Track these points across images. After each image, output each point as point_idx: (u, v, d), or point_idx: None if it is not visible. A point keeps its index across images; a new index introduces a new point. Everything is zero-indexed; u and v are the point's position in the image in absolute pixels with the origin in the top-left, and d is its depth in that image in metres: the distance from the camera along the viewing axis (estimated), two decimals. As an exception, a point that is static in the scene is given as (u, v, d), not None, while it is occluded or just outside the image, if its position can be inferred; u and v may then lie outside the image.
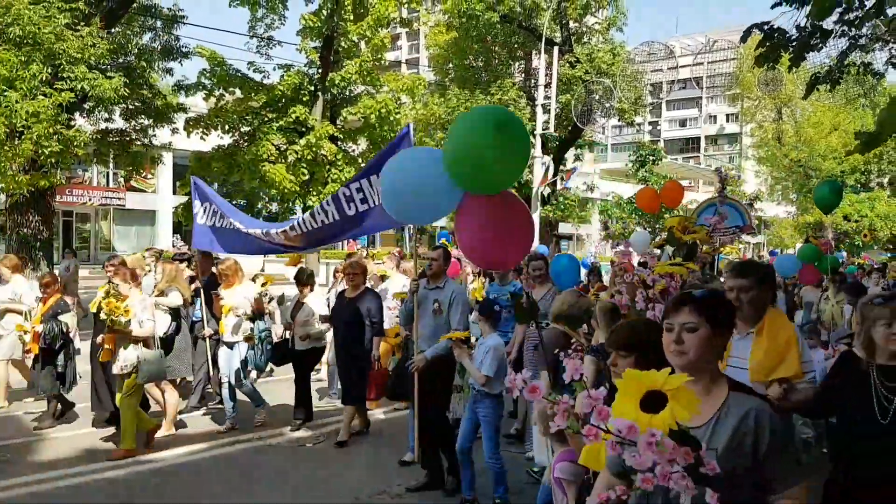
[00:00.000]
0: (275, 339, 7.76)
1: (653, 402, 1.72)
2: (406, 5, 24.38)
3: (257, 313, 7.51)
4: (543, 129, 22.35)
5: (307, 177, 21.28)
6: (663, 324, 2.26)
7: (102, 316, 6.45)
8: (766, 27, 7.07)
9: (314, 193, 21.51)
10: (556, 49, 23.05)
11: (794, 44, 7.20)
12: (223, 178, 21.66)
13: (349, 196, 6.02)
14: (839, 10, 7.03)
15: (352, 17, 21.30)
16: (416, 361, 5.71)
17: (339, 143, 22.29)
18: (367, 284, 7.59)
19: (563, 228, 30.62)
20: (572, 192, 24.69)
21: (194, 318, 8.22)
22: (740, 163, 60.51)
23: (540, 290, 6.93)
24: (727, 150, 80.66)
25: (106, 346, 6.53)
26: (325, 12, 21.23)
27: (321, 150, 20.96)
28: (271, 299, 9.63)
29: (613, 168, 55.47)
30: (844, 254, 28.18)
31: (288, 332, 7.86)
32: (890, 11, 6.37)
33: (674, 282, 3.82)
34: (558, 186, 24.44)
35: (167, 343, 7.18)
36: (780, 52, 7.28)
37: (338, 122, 22.46)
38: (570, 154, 27.39)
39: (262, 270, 19.14)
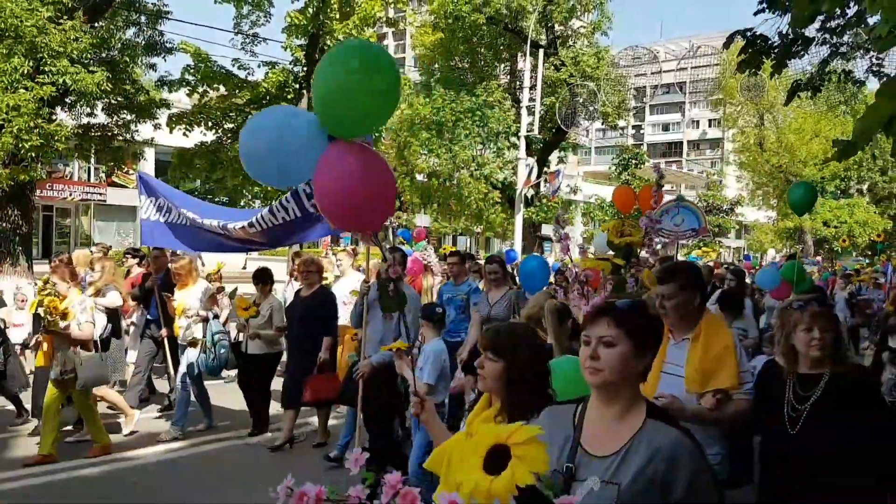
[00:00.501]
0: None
1: (499, 458, 1.39)
2: (392, 5, 24.38)
3: (210, 313, 7.17)
4: (528, 131, 22.42)
5: (291, 175, 21.22)
6: (581, 335, 1.99)
7: (42, 314, 6.09)
8: (748, 34, 7.14)
9: (298, 192, 21.45)
10: (541, 51, 23.14)
11: (776, 51, 7.28)
12: (206, 174, 21.55)
13: (309, 193, 5.63)
14: (821, 17, 7.12)
15: (338, 16, 21.26)
16: (360, 367, 5.42)
17: (323, 141, 22.24)
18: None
19: (546, 230, 30.69)
20: (559, 195, 24.77)
21: (149, 317, 7.88)
22: (722, 168, 61.08)
23: (496, 292, 6.71)
24: (709, 155, 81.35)
25: (43, 347, 6.28)
26: (310, 10, 21.17)
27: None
28: (220, 289, 9.09)
29: (597, 171, 55.74)
30: (819, 259, 28.57)
31: (241, 335, 7.43)
32: (870, 20, 6.47)
33: (592, 279, 3.85)
34: (542, 190, 24.52)
35: (102, 345, 6.70)
36: (762, 58, 7.35)
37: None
38: (554, 156, 27.49)
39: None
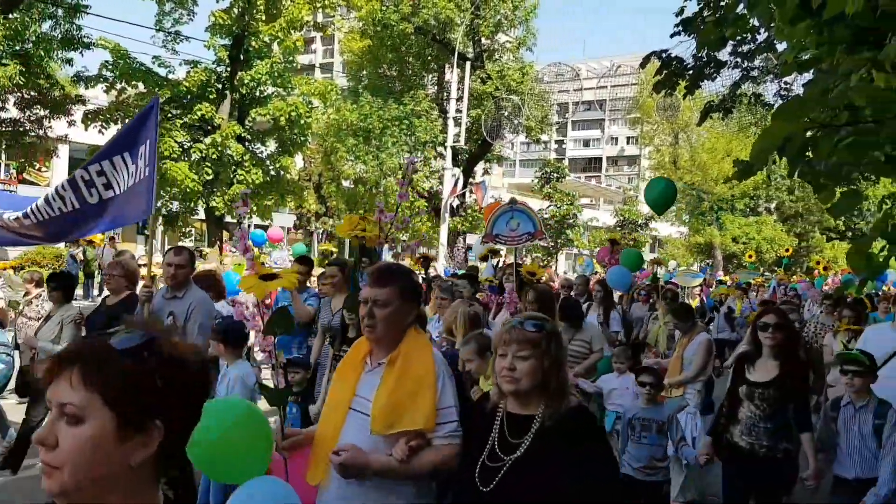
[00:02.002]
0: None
1: None
2: (321, 10, 24.25)
3: None
4: (454, 142, 22.67)
5: (211, 176, 20.76)
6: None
7: None
8: (664, 55, 7.48)
9: (218, 194, 21.00)
10: (468, 64, 23.46)
11: (689, 72, 7.67)
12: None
13: (89, 180, 5.03)
14: (733, 42, 7.54)
15: (264, 18, 20.99)
16: None
17: (246, 143, 21.87)
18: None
19: (471, 240, 31.07)
20: (486, 203, 25.11)
21: None
22: (638, 184, 63.16)
23: (339, 298, 5.95)
24: (627, 171, 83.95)
25: None
26: (235, 10, 20.83)
27: (227, 150, 20.51)
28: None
29: (521, 183, 56.70)
30: (719, 273, 29.77)
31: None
32: (779, 46, 6.88)
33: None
34: (468, 200, 24.81)
35: None
36: (676, 79, 7.73)
37: (246, 122, 22.04)
38: (479, 167, 27.86)
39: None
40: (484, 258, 11.16)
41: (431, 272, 10.98)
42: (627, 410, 5.05)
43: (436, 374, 2.61)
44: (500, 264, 10.67)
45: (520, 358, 2.30)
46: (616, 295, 9.66)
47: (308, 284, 7.45)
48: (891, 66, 1.96)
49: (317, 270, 9.55)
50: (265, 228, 18.55)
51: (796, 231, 40.69)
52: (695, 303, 13.94)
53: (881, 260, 2.37)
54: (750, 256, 31.98)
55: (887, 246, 2.39)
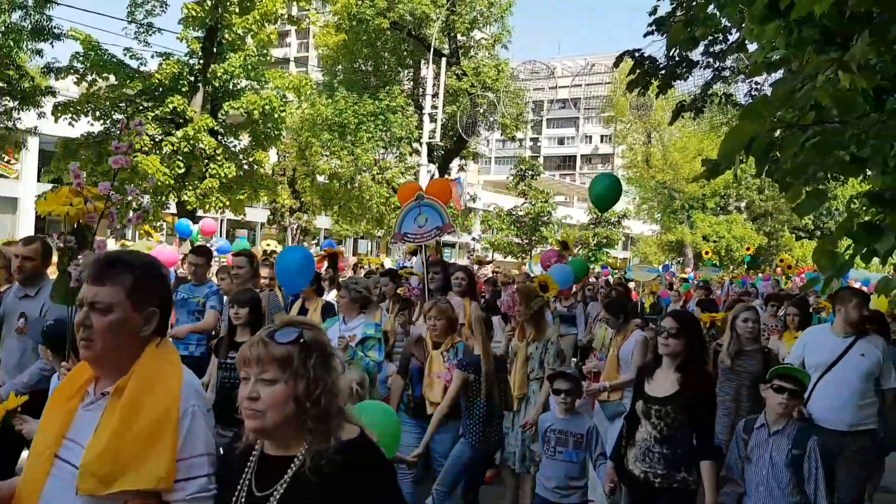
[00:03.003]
0: None
1: None
2: (296, 3, 24.06)
3: None
4: (430, 138, 22.67)
5: (183, 170, 20.51)
6: None
7: None
8: (637, 54, 7.54)
9: (190, 188, 20.76)
10: (443, 60, 23.46)
11: (662, 72, 7.74)
12: (92, 166, 20.54)
13: None
14: (704, 42, 7.63)
15: (237, 10, 20.76)
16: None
17: (219, 137, 21.64)
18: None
19: (446, 237, 31.15)
20: (464, 202, 25.14)
21: None
22: (612, 182, 63.60)
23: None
24: (600, 169, 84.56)
25: None
26: (209, 2, 20.57)
27: (199, 144, 20.28)
28: None
29: (496, 180, 56.87)
30: (690, 271, 29.92)
31: None
32: (751, 47, 6.96)
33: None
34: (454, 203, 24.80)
35: None
36: (649, 78, 7.79)
37: (219, 115, 21.81)
38: (454, 164, 27.89)
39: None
40: (413, 252, 10.72)
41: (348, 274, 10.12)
42: (542, 421, 4.55)
43: (181, 409, 1.88)
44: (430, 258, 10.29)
45: (264, 382, 1.76)
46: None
47: (209, 277, 6.86)
48: (856, 66, 1.99)
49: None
50: (196, 220, 18.16)
51: (766, 230, 41.30)
52: (649, 301, 13.37)
53: (846, 259, 2.41)
54: (706, 253, 32.22)
55: (853, 245, 2.43)
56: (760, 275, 23.89)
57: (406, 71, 26.88)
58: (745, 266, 29.65)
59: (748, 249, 32.13)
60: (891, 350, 5.15)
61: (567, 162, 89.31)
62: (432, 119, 22.93)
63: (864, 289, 18.91)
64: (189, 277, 6.89)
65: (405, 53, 25.71)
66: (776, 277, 19.07)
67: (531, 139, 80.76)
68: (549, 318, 7.07)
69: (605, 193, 8.18)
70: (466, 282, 6.65)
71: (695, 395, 3.69)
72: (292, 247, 7.47)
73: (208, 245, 10.74)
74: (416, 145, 24.25)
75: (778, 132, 2.14)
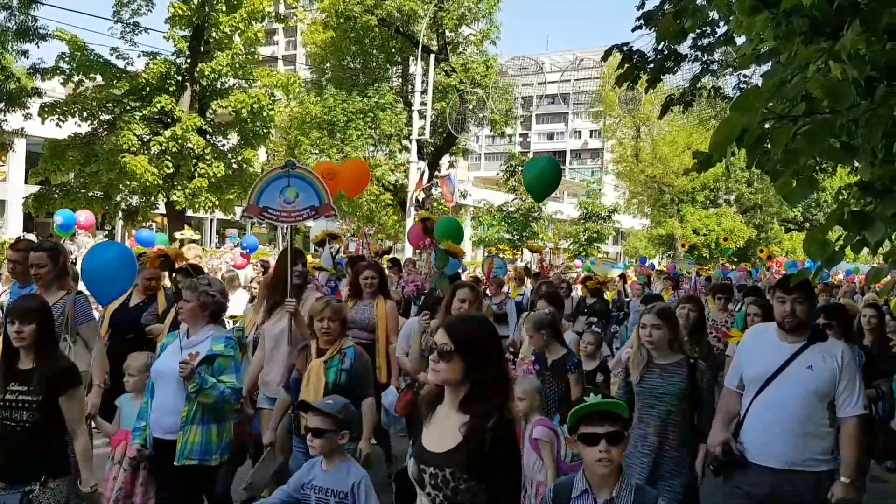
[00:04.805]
0: None
1: None
2: (283, 0, 23.98)
3: None
4: (419, 135, 22.63)
5: (171, 170, 20.41)
6: None
7: None
8: (625, 48, 7.53)
9: (179, 188, 20.66)
10: (432, 56, 23.42)
11: (650, 66, 7.73)
12: (80, 167, 20.42)
13: None
14: (693, 35, 7.63)
15: (224, 8, 20.66)
16: None
17: (207, 136, 21.54)
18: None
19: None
20: (455, 198, 25.06)
21: None
22: (601, 177, 63.82)
23: (51, 295, 4.58)
24: (590, 165, 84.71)
25: None
26: (195, 1, 20.47)
27: (188, 143, 20.19)
28: None
29: (486, 176, 56.89)
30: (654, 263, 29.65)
31: None
32: (738, 40, 6.97)
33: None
34: (434, 193, 24.79)
35: None
36: (638, 73, 7.78)
37: (207, 114, 21.71)
38: (444, 160, 27.87)
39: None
40: (320, 243, 8.52)
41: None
42: (303, 475, 3.36)
43: None
44: (341, 252, 9.10)
45: None
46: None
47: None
48: (847, 56, 1.99)
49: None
50: (186, 220, 17.95)
51: (755, 222, 41.47)
52: (611, 295, 12.38)
53: (837, 248, 2.41)
54: (683, 245, 32.19)
55: (843, 234, 2.43)
56: (732, 266, 23.12)
57: (395, 68, 26.82)
58: (727, 258, 29.70)
59: (726, 240, 32.17)
60: (857, 358, 4.19)
61: (556, 157, 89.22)
62: (421, 116, 22.90)
63: (847, 278, 18.56)
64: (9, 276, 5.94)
65: (393, 50, 25.66)
66: (749, 268, 18.57)
67: (521, 135, 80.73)
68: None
69: (536, 180, 7.43)
70: (377, 280, 6.09)
71: (481, 445, 2.29)
72: (104, 243, 6.37)
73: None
74: (405, 142, 24.20)
75: (769, 123, 2.14)
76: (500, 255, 7.75)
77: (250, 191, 5.33)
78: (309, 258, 7.21)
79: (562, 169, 8.28)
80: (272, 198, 5.20)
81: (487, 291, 8.89)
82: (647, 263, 24.88)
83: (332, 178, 8.42)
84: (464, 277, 9.71)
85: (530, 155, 63.06)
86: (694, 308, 5.42)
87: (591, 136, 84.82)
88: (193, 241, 13.76)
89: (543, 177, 7.70)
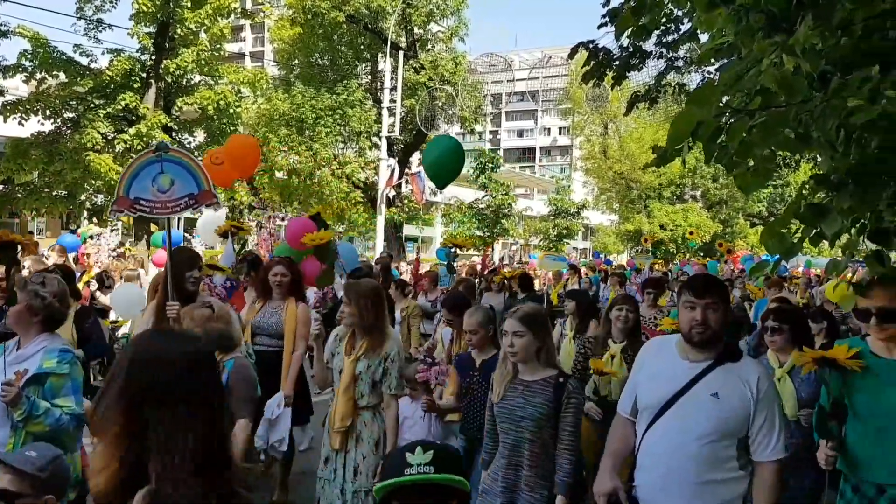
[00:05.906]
0: None
1: None
2: (249, -4, 23.76)
3: None
4: (389, 132, 22.58)
5: (137, 169, 20.13)
6: None
7: None
8: (591, 46, 7.57)
9: (145, 187, 20.38)
10: (401, 53, 23.36)
11: (616, 62, 7.80)
12: (43, 167, 20.04)
13: None
14: (657, 32, 7.70)
15: (189, 5, 20.40)
16: None
17: (173, 133, 21.26)
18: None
19: (408, 230, 31.04)
20: (425, 195, 25.01)
21: None
22: (570, 173, 64.26)
23: None
24: (559, 161, 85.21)
25: None
26: (160, -3, 20.19)
27: (153, 141, 19.92)
28: None
29: (455, 173, 56.82)
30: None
31: None
32: (703, 37, 7.04)
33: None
34: (404, 190, 24.76)
35: None
36: (604, 69, 7.83)
37: (172, 112, 21.42)
38: (415, 157, 27.83)
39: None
40: (223, 234, 7.52)
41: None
42: None
43: None
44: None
45: None
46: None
47: None
48: (801, 50, 2.03)
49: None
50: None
51: (721, 217, 42.12)
52: (556, 290, 11.70)
53: (795, 241, 2.45)
54: (646, 241, 32.50)
55: (801, 227, 2.47)
56: (698, 261, 22.87)
57: (363, 65, 26.69)
58: (692, 252, 30.01)
59: (692, 234, 32.63)
60: (807, 386, 3.55)
61: (527, 154, 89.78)
62: (391, 113, 22.84)
63: (804, 271, 18.53)
64: None
65: (362, 47, 25.53)
66: (704, 262, 18.17)
67: (490, 132, 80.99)
68: (394, 327, 5.72)
69: (438, 164, 6.77)
70: (288, 278, 5.45)
71: None
72: None
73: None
74: (375, 139, 24.11)
75: (725, 117, 2.17)
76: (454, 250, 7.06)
77: (119, 180, 4.52)
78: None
79: (464, 151, 7.64)
80: (144, 188, 4.44)
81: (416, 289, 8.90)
82: (600, 257, 24.61)
83: (220, 164, 7.88)
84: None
85: (500, 152, 63.23)
86: (631, 308, 4.91)
87: (560, 133, 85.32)
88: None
89: (443, 157, 7.16)
